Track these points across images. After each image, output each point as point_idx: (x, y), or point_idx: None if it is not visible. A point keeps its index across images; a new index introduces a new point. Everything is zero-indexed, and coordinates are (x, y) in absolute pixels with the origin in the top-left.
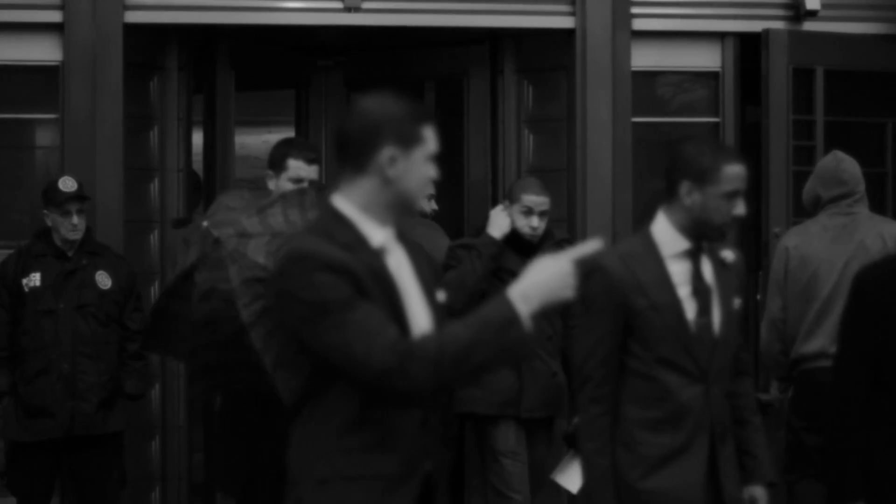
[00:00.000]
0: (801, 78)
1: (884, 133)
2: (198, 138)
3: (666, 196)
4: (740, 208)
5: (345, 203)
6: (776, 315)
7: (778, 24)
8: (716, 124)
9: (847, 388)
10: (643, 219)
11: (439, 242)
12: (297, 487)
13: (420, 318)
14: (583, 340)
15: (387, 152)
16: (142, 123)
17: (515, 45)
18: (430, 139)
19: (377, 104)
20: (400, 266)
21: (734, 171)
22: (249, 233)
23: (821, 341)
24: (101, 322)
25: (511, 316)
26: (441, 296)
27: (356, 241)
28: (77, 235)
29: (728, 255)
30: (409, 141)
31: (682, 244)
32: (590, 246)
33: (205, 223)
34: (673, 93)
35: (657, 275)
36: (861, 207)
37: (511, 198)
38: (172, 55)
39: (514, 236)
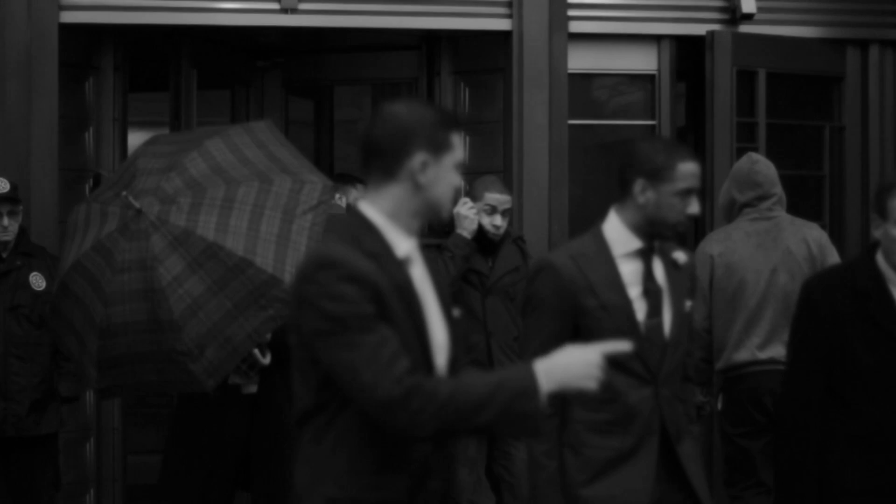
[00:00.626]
0: (743, 80)
1: (821, 136)
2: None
3: (618, 194)
4: (694, 207)
5: (372, 210)
6: (700, 324)
7: (714, 28)
8: (651, 127)
9: (800, 399)
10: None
11: None
12: None
13: (439, 333)
14: (530, 340)
15: (418, 158)
16: (77, 124)
17: (452, 48)
18: (458, 146)
19: (408, 109)
20: (422, 278)
21: (688, 169)
22: (171, 196)
23: (750, 350)
24: (34, 324)
25: (530, 386)
26: (456, 312)
27: (383, 249)
28: (7, 237)
29: (680, 256)
30: (439, 147)
31: (634, 244)
32: (620, 346)
33: (124, 193)
34: (609, 95)
35: (608, 275)
36: (780, 210)
37: (473, 196)
38: (108, 56)
39: (475, 235)
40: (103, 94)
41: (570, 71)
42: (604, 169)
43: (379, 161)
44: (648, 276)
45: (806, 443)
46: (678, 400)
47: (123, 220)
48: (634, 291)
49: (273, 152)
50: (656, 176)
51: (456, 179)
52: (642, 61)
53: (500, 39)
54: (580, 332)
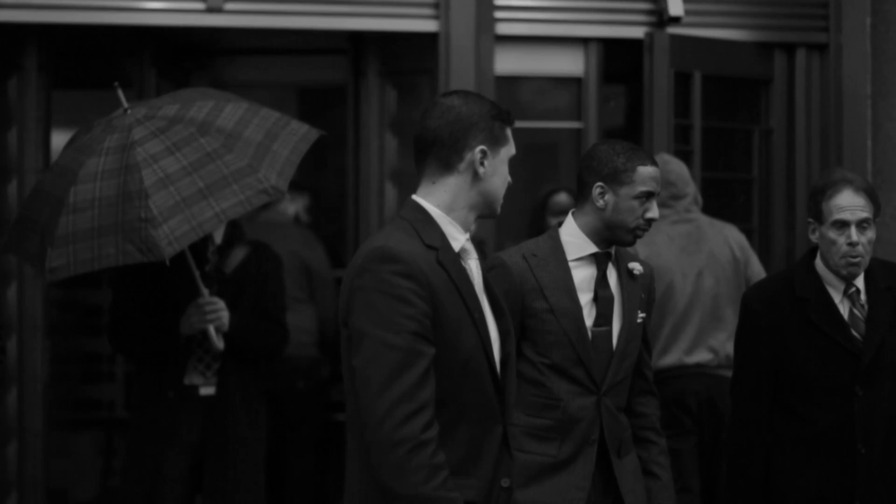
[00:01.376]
0: (678, 82)
1: (751, 139)
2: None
3: (577, 198)
4: (654, 211)
5: (428, 203)
6: None
7: (641, 30)
8: (578, 130)
9: (746, 409)
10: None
11: (317, 250)
12: None
13: (492, 328)
14: None
15: (479, 150)
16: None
17: (379, 49)
18: (511, 140)
19: (467, 102)
20: (476, 272)
21: (648, 173)
22: (159, 106)
23: (678, 355)
24: None
25: None
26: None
27: (442, 243)
28: None
29: (637, 266)
30: (497, 140)
31: (589, 248)
32: None
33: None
34: (536, 98)
35: (559, 278)
36: (696, 211)
37: None
38: (32, 55)
39: None
40: (27, 93)
41: (496, 73)
42: (530, 172)
43: (438, 152)
44: (601, 283)
45: (753, 453)
46: (632, 416)
47: (108, 120)
48: (585, 297)
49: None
50: (615, 179)
51: (507, 174)
52: (569, 64)
53: (427, 41)
54: (526, 333)
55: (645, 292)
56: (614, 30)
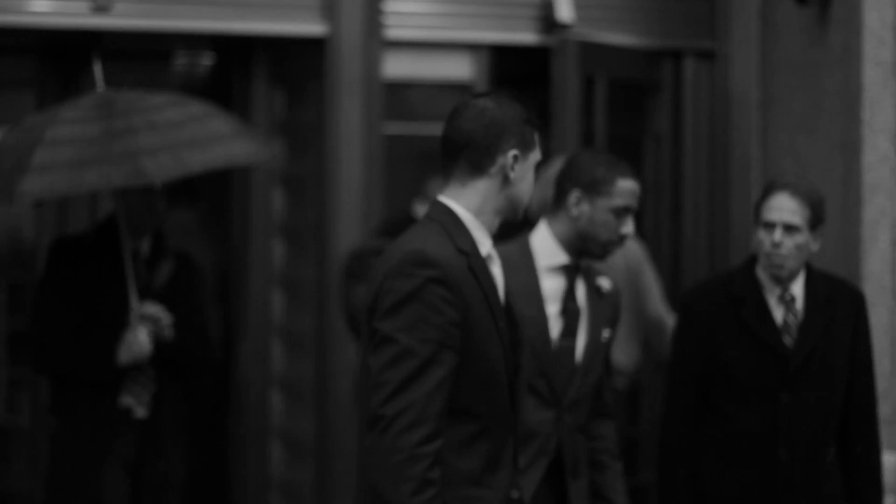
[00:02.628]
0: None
1: (642, 145)
2: None
3: (552, 205)
4: (628, 227)
5: (457, 205)
6: None
7: (530, 36)
8: None
9: (678, 408)
10: (394, 227)
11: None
12: None
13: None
14: None
15: (511, 153)
16: None
17: (268, 52)
18: (538, 145)
19: (500, 105)
20: (498, 281)
21: (628, 187)
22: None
23: None
24: None
25: None
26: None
27: (472, 248)
28: None
29: (605, 283)
30: (527, 145)
31: (560, 258)
32: None
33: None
34: (425, 103)
35: (528, 285)
36: None
37: (426, 195)
38: None
39: None
40: None
41: (385, 78)
42: (419, 177)
43: (470, 155)
44: (569, 295)
45: (681, 456)
46: (589, 438)
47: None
48: (553, 308)
49: None
50: (594, 189)
51: (533, 179)
52: (458, 69)
53: (316, 44)
54: None
55: (612, 310)
56: (504, 35)
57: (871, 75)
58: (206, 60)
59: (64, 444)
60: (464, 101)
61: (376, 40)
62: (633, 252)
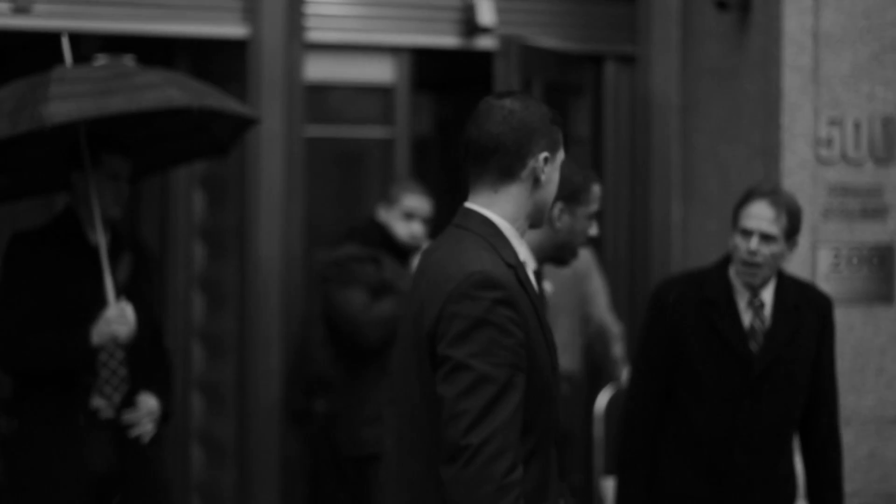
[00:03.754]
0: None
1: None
2: None
3: None
4: (595, 228)
5: (493, 214)
6: None
7: (451, 40)
8: (388, 139)
9: (640, 402)
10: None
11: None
12: None
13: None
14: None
15: (542, 156)
16: None
17: (189, 53)
18: (563, 145)
19: (527, 106)
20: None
21: (598, 191)
22: None
23: None
24: None
25: None
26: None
27: (516, 258)
28: None
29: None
30: (555, 145)
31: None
32: None
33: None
34: (346, 106)
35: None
36: None
37: (390, 199)
38: None
39: (388, 242)
40: None
41: (307, 81)
42: (340, 180)
43: (501, 159)
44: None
45: (641, 453)
46: None
47: None
48: None
49: None
50: (574, 199)
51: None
52: (380, 72)
53: (237, 47)
54: None
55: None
56: (425, 38)
57: (791, 81)
58: (128, 62)
59: (25, 448)
60: (487, 103)
61: (298, 43)
62: (581, 257)
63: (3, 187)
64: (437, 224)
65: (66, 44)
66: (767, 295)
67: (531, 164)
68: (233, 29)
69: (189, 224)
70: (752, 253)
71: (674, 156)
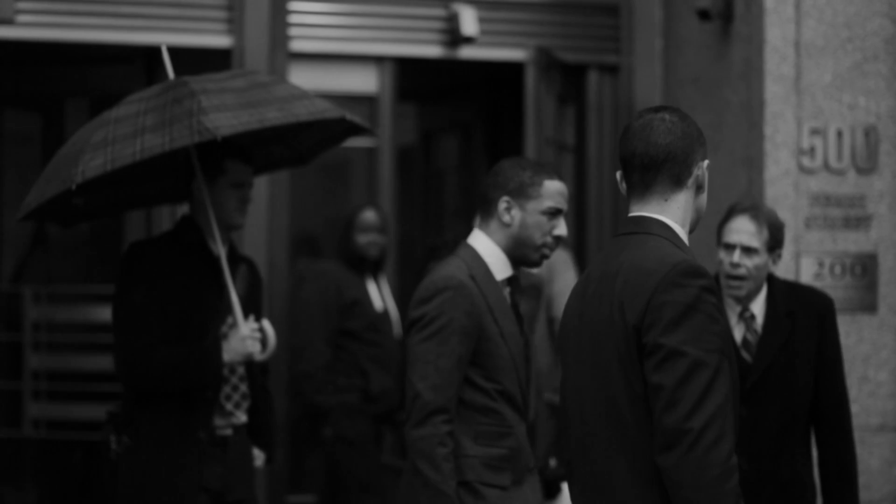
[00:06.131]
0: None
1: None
2: None
3: (482, 216)
4: (562, 228)
5: (668, 219)
6: None
7: (435, 50)
8: (372, 148)
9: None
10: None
11: None
12: None
13: None
14: (435, 364)
15: (704, 164)
16: None
17: (173, 63)
18: None
19: (683, 118)
20: None
21: (556, 187)
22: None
23: None
24: None
25: None
26: None
27: (695, 259)
28: None
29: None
30: (707, 153)
31: (508, 270)
32: None
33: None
34: None
35: (500, 300)
36: None
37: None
38: None
39: None
40: None
41: None
42: (324, 189)
43: (671, 168)
44: (517, 308)
45: None
46: None
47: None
48: None
49: None
50: (522, 193)
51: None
52: (364, 82)
53: (221, 56)
54: (475, 358)
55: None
56: (409, 48)
57: (773, 90)
58: (111, 72)
59: (143, 465)
60: (644, 118)
61: (281, 52)
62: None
63: (120, 199)
64: (419, 230)
65: (166, 56)
66: (758, 306)
67: (695, 171)
68: (217, 39)
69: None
70: (735, 265)
71: None
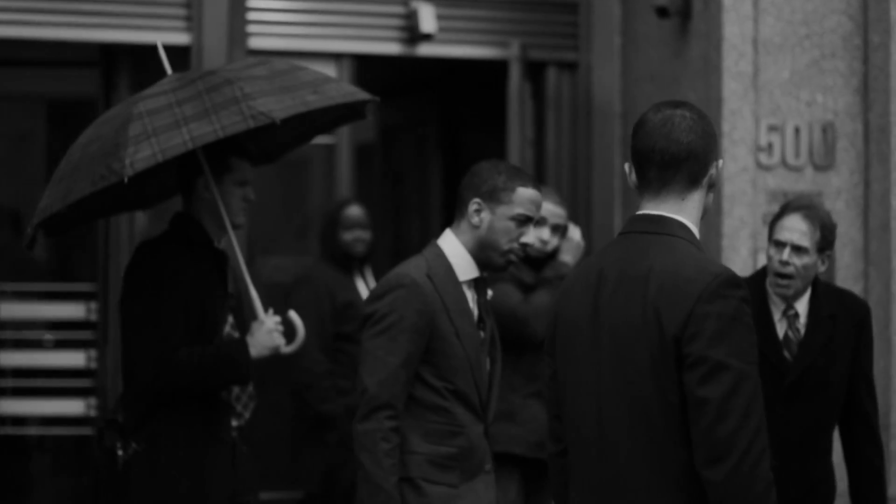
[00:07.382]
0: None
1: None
2: None
3: (455, 215)
4: (529, 235)
5: (684, 220)
6: None
7: (394, 47)
8: (330, 145)
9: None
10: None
11: None
12: None
13: None
14: (384, 360)
15: (720, 163)
16: None
17: (130, 62)
18: None
19: (700, 115)
20: None
21: (528, 195)
22: None
23: None
24: None
25: None
26: None
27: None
28: None
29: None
30: (719, 152)
31: (474, 271)
32: None
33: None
34: None
35: (458, 300)
36: None
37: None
38: None
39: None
40: None
41: None
42: (283, 187)
43: (691, 167)
44: (485, 309)
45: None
46: None
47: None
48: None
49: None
50: (493, 197)
51: None
52: None
53: (179, 54)
54: (427, 357)
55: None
56: (368, 45)
57: (731, 87)
58: (69, 70)
59: (166, 472)
60: (662, 114)
61: (240, 50)
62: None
63: (134, 195)
64: (379, 228)
65: (162, 53)
66: (802, 306)
67: (711, 171)
68: (175, 36)
69: (131, 235)
70: (784, 263)
71: (615, 162)
